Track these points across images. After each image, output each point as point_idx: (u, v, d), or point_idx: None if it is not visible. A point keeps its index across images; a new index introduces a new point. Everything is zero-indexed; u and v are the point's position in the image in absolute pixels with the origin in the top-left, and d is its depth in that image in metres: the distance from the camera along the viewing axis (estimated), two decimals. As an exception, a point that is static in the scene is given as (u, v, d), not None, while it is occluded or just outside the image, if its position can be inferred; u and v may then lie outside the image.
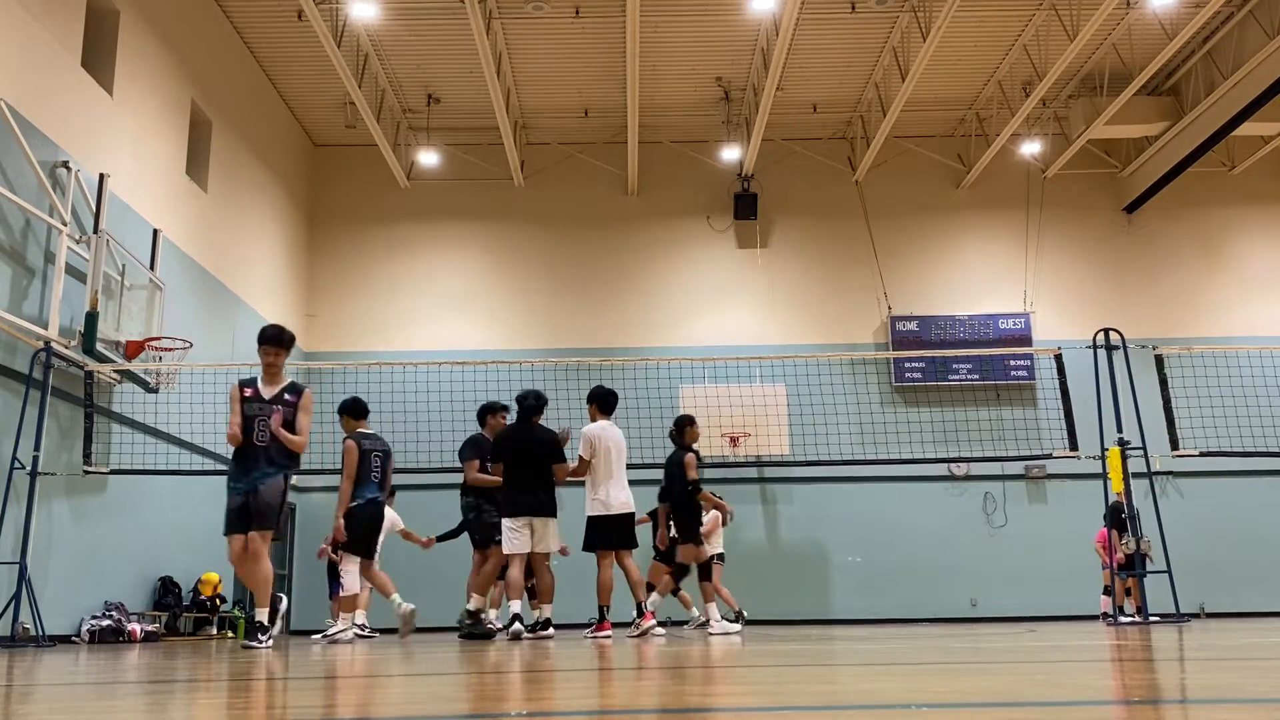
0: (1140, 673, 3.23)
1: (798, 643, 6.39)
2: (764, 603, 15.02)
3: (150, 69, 12.30)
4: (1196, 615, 14.45)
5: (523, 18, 14.30)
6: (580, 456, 8.41)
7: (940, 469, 16.05)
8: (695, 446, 9.25)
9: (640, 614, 8.57)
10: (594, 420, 8.62)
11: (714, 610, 9.08)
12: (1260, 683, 2.71)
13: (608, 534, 8.35)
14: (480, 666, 4.19)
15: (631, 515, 8.51)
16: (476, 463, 8.87)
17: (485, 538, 8.65)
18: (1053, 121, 17.21)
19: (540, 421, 8.48)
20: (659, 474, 9.98)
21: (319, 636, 9.46)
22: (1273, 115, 15.14)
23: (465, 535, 9.33)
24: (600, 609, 8.31)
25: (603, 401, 8.65)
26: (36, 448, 9.37)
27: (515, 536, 8.10)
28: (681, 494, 9.01)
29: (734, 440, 15.60)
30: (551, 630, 8.21)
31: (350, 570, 8.62)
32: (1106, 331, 10.07)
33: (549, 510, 8.22)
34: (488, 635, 8.33)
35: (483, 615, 8.58)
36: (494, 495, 8.56)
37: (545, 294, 17.37)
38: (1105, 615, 11.82)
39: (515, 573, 8.10)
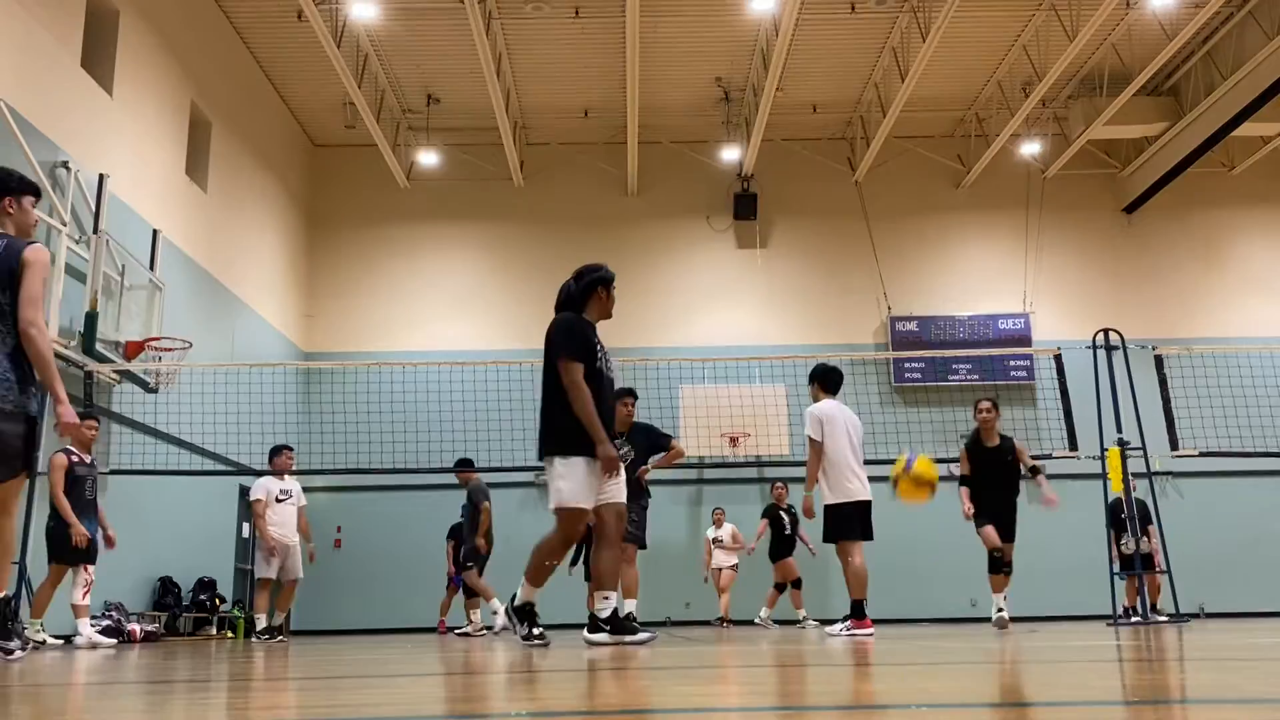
0: (1140, 673, 3.23)
1: (796, 643, 6.39)
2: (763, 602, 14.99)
3: (150, 69, 12.30)
4: (1196, 615, 14.44)
5: (523, 18, 14.30)
6: (809, 438, 7.70)
7: (940, 469, 16.01)
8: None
9: (858, 615, 7.75)
10: (817, 400, 7.93)
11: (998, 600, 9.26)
12: (1260, 683, 2.71)
13: (851, 521, 7.66)
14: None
15: (870, 504, 7.77)
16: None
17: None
18: (1052, 122, 17.21)
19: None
20: (663, 474, 9.99)
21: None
22: (1272, 115, 15.14)
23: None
24: (855, 604, 7.65)
25: (825, 379, 8.02)
26: (36, 448, 9.35)
27: None
28: None
29: (734, 440, 15.60)
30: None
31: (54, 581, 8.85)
32: (1106, 332, 10.06)
33: None
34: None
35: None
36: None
37: (545, 294, 17.06)
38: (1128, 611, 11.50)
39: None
